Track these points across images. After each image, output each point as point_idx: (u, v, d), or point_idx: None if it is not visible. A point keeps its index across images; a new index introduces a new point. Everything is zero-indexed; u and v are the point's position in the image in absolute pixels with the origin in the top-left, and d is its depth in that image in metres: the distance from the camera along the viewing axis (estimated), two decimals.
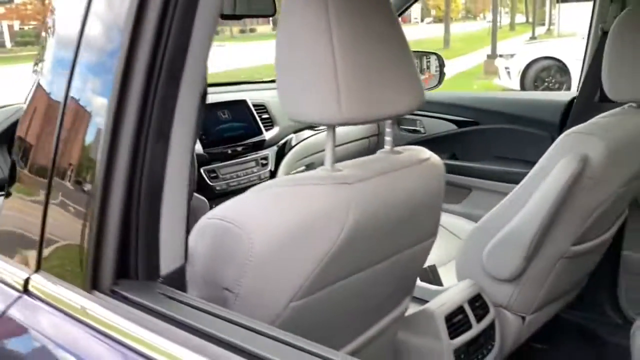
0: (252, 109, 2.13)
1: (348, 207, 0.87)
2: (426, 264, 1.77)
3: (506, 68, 10.50)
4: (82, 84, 0.75)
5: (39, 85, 0.84)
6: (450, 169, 2.45)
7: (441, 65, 2.85)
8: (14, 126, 1.61)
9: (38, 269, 0.73)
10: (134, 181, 0.65)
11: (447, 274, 1.81)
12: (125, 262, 0.67)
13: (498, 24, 17.88)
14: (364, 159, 1.00)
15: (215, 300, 0.88)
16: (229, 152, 2.01)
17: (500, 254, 1.56)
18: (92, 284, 0.66)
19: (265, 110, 2.18)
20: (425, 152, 1.08)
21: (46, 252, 0.72)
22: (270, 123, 2.19)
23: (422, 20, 49.47)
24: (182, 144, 0.69)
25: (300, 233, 0.85)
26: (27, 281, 0.73)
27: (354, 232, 0.88)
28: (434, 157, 1.09)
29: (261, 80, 2.61)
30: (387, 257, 1.03)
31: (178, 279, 0.72)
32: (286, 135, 2.22)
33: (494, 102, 2.43)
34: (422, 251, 1.15)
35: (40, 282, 0.72)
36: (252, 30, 33.58)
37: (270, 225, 0.84)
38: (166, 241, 0.69)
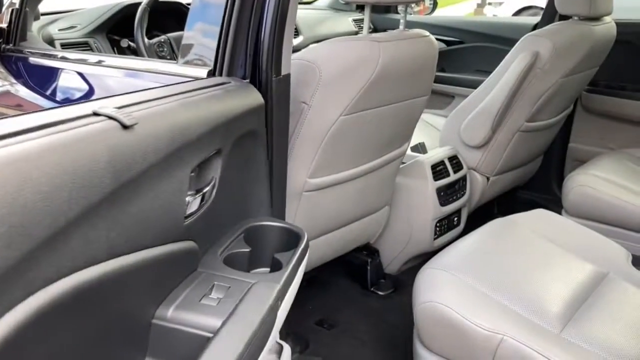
0: None
1: (379, 55, 1.41)
2: (417, 142, 2.36)
3: (494, 15, 10.93)
4: None
5: None
6: (438, 80, 3.03)
7: None
8: (113, 17, 2.13)
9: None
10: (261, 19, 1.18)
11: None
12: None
13: None
14: (388, 32, 1.54)
15: (297, 111, 1.43)
16: None
17: (473, 126, 2.13)
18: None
19: None
20: (425, 32, 1.61)
21: None
22: (296, 33, 2.72)
23: None
24: None
25: (350, 67, 1.40)
26: None
27: (382, 72, 1.43)
28: (431, 36, 1.63)
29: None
30: (399, 100, 1.58)
31: None
32: (308, 44, 2.75)
33: (477, 25, 2.97)
34: (419, 105, 1.71)
35: None
36: None
37: (332, 61, 1.39)
38: None
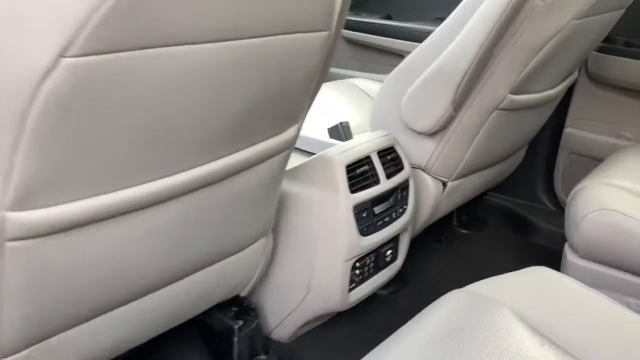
0: None
1: None
2: (339, 121, 1.48)
3: None
4: None
5: None
6: (382, 32, 2.15)
7: None
8: None
9: None
10: None
11: None
12: None
13: None
14: None
15: None
16: None
17: (421, 100, 1.27)
18: None
19: None
20: None
21: None
22: None
23: None
24: None
25: None
26: None
27: None
28: None
29: None
30: (241, 34, 0.70)
31: None
32: None
33: None
34: (307, 47, 0.83)
35: None
36: None
37: None
38: None
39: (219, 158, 0.85)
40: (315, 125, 1.54)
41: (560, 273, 0.88)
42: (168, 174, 0.77)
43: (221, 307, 1.21)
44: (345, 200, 1.12)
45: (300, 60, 0.84)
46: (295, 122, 0.97)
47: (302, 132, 1.45)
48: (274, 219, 1.11)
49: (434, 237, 1.77)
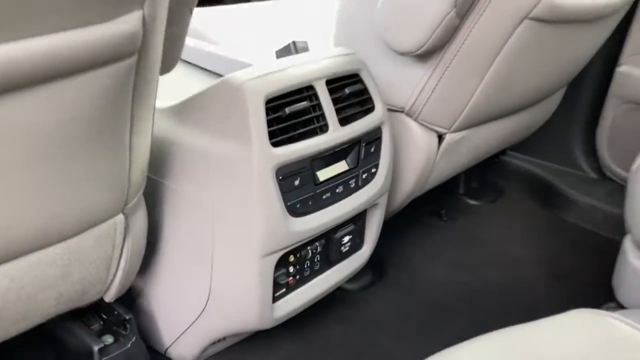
0: None
1: None
2: (294, 39, 1.02)
3: None
4: None
5: None
6: None
7: None
8: None
9: None
10: None
11: None
12: None
13: None
14: None
15: None
16: None
17: (406, 2, 0.79)
18: None
19: None
20: None
21: None
22: None
23: None
24: None
25: None
26: None
27: None
28: None
29: None
30: None
31: None
32: None
33: None
34: None
35: None
36: None
37: None
38: None
39: None
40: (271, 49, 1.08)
41: (627, 322, 0.43)
42: None
43: (82, 316, 0.79)
44: (262, 158, 0.67)
45: None
46: (135, 5, 0.51)
47: (229, 54, 1.01)
48: (142, 184, 0.67)
49: (430, 209, 1.33)
